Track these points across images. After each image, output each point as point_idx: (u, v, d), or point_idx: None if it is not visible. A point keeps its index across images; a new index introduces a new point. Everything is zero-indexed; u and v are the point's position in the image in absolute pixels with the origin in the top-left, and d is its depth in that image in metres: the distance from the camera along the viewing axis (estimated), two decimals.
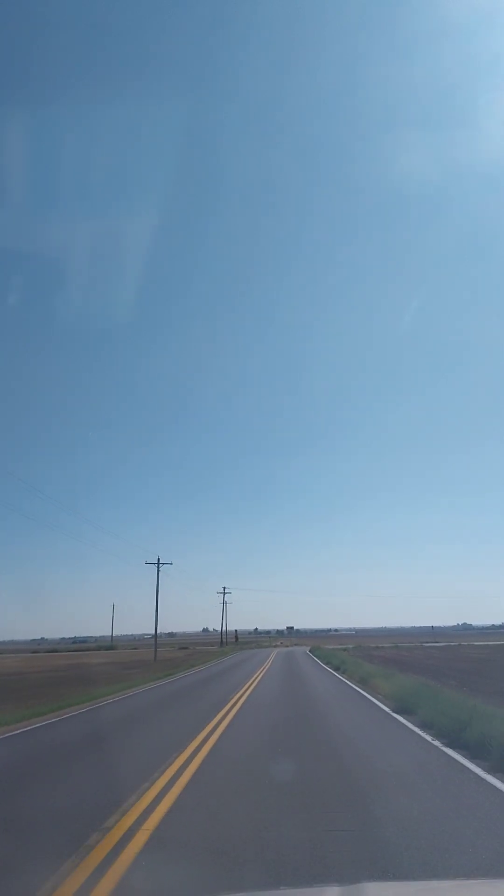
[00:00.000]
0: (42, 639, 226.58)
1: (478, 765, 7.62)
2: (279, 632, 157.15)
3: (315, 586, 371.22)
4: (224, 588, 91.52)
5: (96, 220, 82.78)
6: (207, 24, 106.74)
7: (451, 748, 8.68)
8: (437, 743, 9.19)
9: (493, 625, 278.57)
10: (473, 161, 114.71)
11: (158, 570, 49.05)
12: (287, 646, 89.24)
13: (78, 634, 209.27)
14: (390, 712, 12.96)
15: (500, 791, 6.47)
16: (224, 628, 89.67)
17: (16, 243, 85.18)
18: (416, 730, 10.45)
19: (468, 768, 7.53)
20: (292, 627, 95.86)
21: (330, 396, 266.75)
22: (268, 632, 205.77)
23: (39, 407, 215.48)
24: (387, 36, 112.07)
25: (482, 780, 6.95)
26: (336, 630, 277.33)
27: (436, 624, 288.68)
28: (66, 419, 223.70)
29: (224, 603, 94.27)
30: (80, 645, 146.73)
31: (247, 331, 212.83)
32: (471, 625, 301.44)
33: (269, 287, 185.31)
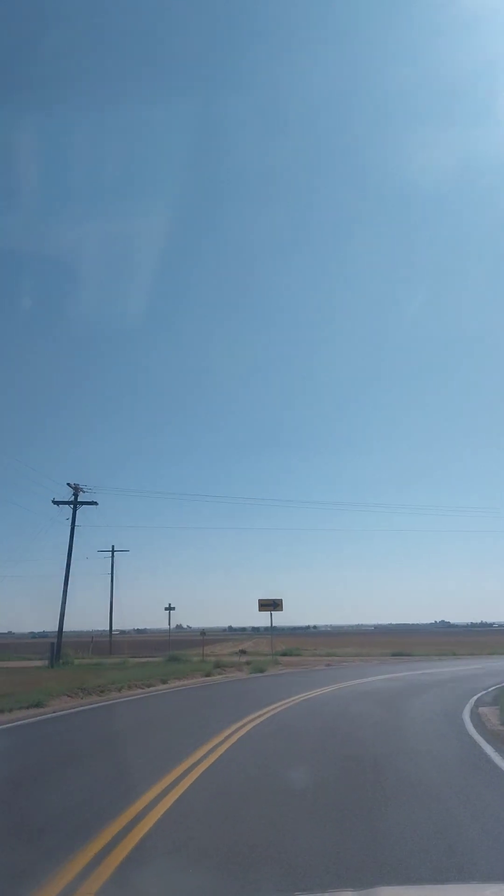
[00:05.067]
0: (10, 633, 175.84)
1: None
2: (255, 629, 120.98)
3: (294, 580, 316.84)
4: (74, 492, 32.56)
5: (108, 220, 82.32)
6: (215, 19, 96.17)
7: None
8: None
9: (471, 623, 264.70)
10: (492, 157, 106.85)
11: None
12: (261, 659, 30.10)
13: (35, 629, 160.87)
14: None
15: None
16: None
17: (28, 245, 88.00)
18: None
19: None
20: (279, 603, 35.89)
21: (343, 394, 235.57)
22: (242, 629, 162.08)
23: (47, 402, 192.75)
24: (404, 27, 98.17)
25: None
26: (315, 627, 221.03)
27: (411, 621, 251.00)
28: (74, 414, 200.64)
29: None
30: None
31: (259, 326, 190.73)
32: (449, 622, 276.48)
33: (275, 282, 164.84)
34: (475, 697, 16.23)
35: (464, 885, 3.89)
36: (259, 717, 11.99)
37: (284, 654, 43.53)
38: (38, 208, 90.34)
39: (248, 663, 28.66)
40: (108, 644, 49.55)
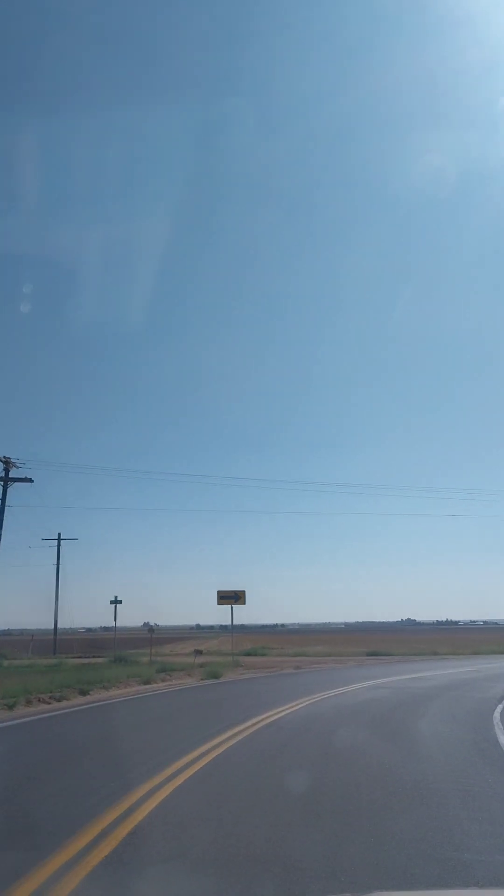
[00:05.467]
0: None
1: None
2: (223, 627, 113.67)
3: (262, 577, 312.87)
4: (4, 467, 27.48)
5: (108, 222, 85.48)
6: (214, 25, 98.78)
7: None
8: None
9: (437, 621, 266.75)
10: (489, 159, 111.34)
11: None
12: (219, 660, 24.70)
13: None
14: None
15: None
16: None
17: (29, 249, 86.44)
18: None
19: None
20: (241, 595, 31.00)
21: (328, 388, 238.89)
22: (210, 627, 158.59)
23: (47, 406, 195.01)
24: (402, 32, 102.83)
25: None
26: (283, 625, 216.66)
27: (378, 619, 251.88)
28: (76, 420, 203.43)
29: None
30: None
31: (261, 331, 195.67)
32: (415, 620, 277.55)
33: (282, 284, 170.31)
34: (497, 713, 12.01)
35: (462, 891, 3.78)
36: (193, 762, 7.44)
37: (248, 654, 39.01)
38: (39, 211, 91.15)
39: (202, 666, 23.98)
40: (53, 643, 44.34)
